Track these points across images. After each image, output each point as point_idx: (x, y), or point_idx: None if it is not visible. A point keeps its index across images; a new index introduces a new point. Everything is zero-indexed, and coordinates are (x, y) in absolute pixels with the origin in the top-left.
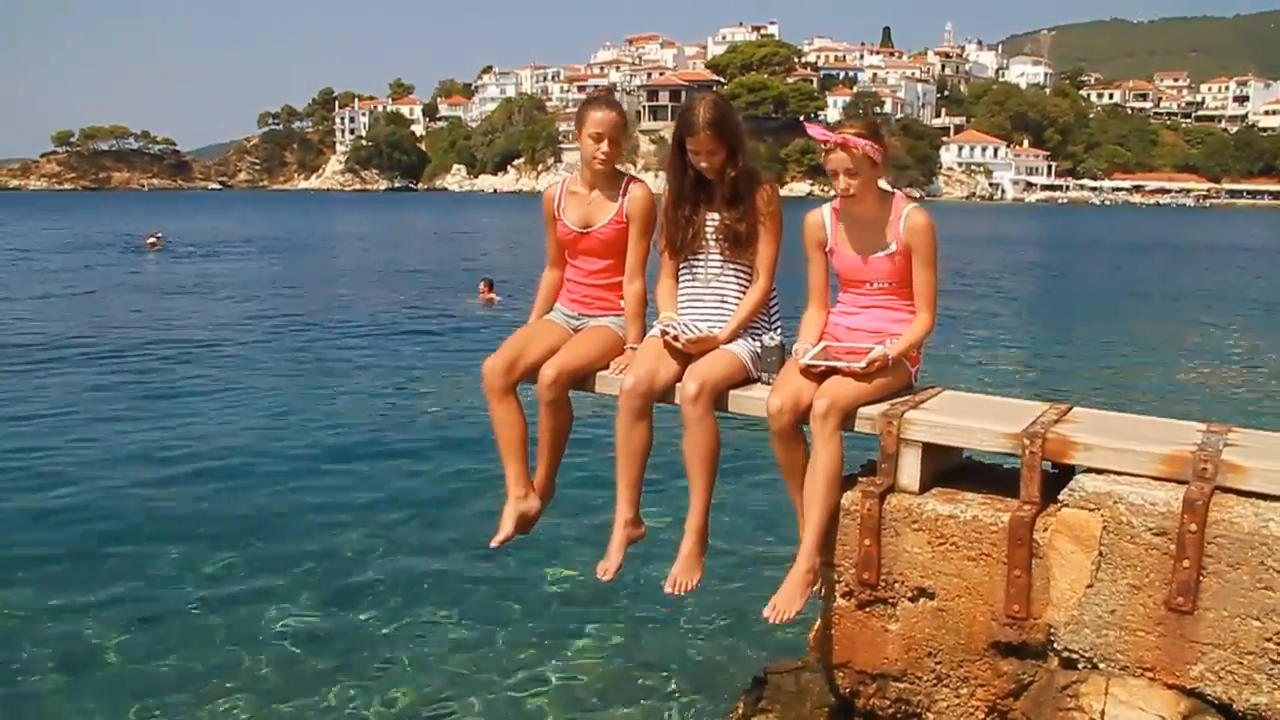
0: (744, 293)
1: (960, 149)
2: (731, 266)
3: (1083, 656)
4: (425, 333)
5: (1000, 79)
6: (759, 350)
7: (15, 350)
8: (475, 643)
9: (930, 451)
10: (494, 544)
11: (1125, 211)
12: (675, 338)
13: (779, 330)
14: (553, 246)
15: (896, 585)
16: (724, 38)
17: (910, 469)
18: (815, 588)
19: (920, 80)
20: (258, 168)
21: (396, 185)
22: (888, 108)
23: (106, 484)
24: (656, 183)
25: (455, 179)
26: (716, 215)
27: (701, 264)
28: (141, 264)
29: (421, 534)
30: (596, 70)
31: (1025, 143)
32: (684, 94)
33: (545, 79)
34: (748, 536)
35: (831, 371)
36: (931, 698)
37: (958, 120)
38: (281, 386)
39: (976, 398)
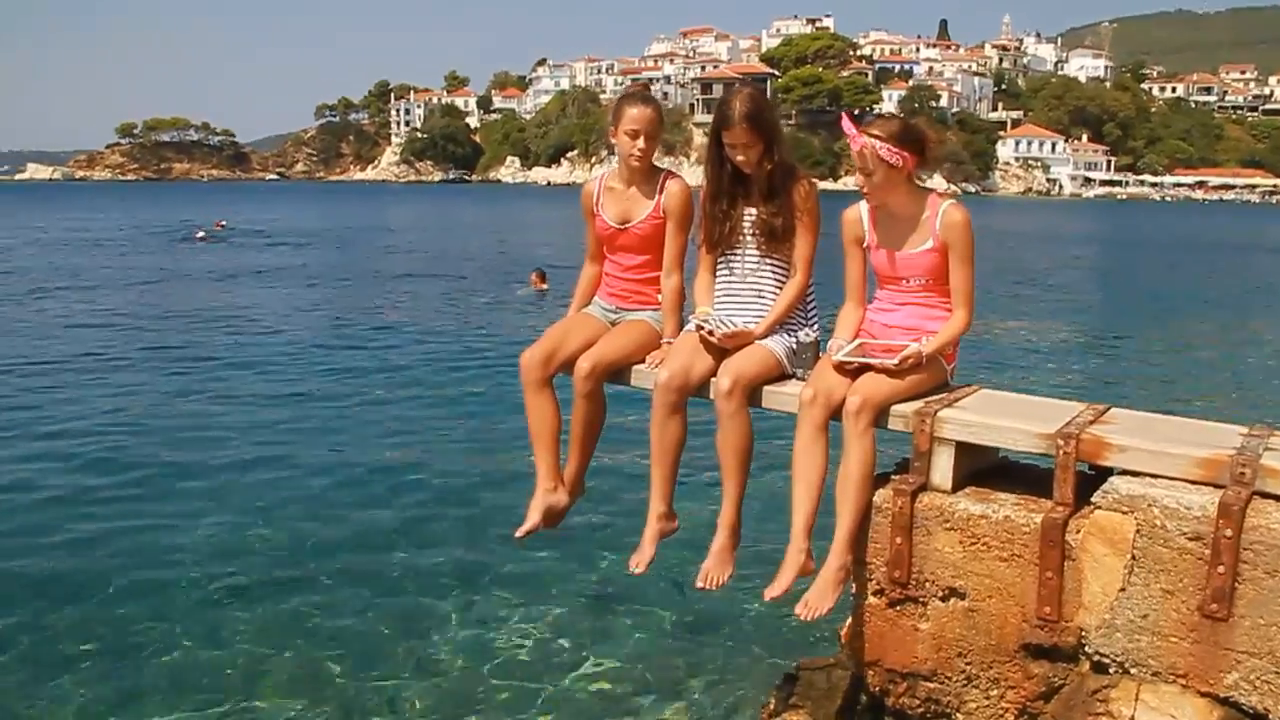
0: (781, 288)
1: (1017, 144)
2: (769, 261)
3: (1114, 661)
4: (477, 322)
5: (1059, 72)
6: (794, 346)
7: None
8: (503, 635)
9: (964, 450)
10: (519, 534)
11: (1187, 208)
12: (710, 332)
13: (816, 326)
14: (592, 241)
15: (928, 584)
16: (778, 30)
17: (943, 468)
18: (846, 585)
19: (977, 74)
20: (314, 159)
21: (450, 177)
22: (943, 101)
23: (159, 466)
24: None
25: (509, 171)
26: (754, 210)
27: (739, 259)
28: (204, 251)
29: (452, 522)
30: (650, 63)
31: (1084, 137)
32: (737, 86)
33: (599, 71)
34: (781, 532)
35: (865, 368)
36: (961, 698)
37: (1015, 114)
38: (330, 371)
39: (1013, 397)
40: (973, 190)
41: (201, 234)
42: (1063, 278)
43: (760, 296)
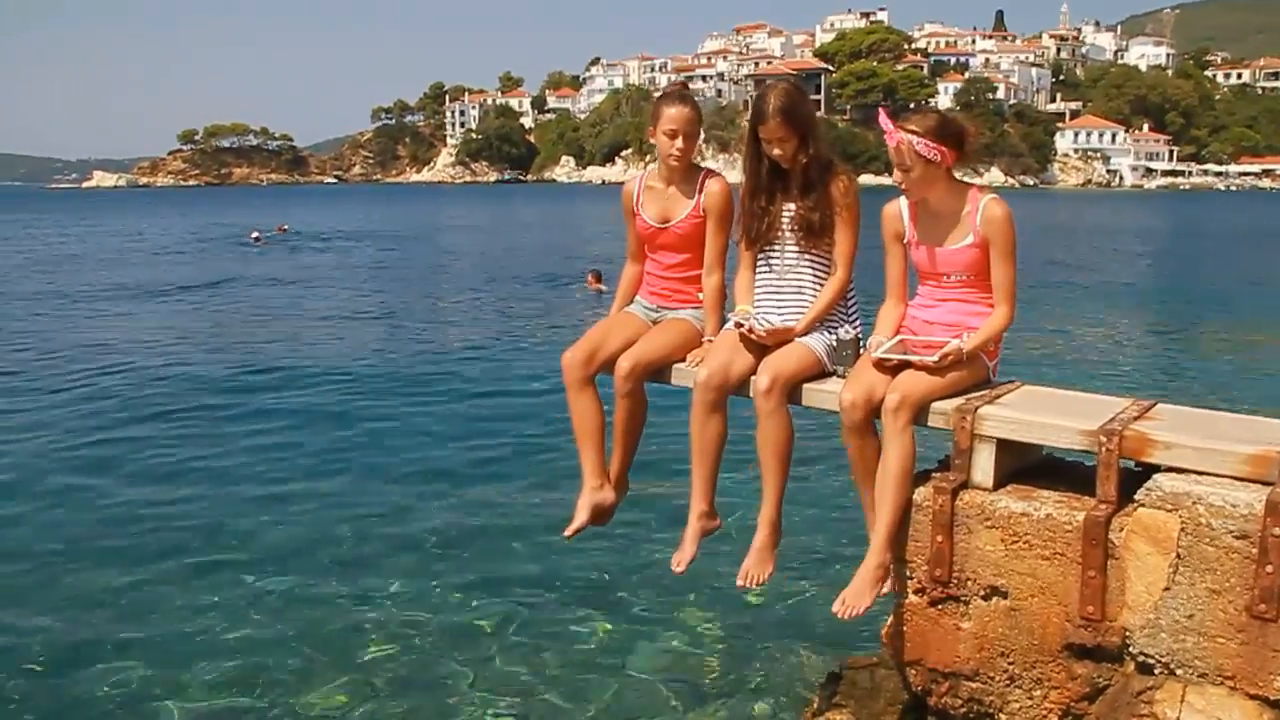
0: (822, 284)
1: (1076, 135)
2: (808, 257)
3: (1159, 662)
4: (534, 324)
5: (1119, 61)
6: (833, 343)
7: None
8: (547, 633)
9: (1006, 448)
10: (567, 534)
11: (1253, 197)
12: (750, 330)
13: (857, 323)
14: (633, 241)
15: (969, 583)
16: (832, 25)
17: (984, 465)
18: (886, 584)
19: (1034, 64)
20: (371, 161)
21: (505, 177)
22: (1000, 94)
23: (219, 469)
24: None
25: (563, 170)
26: (792, 205)
27: (778, 255)
28: (260, 254)
29: (499, 520)
30: (703, 60)
31: (1145, 127)
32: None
33: (653, 69)
34: (822, 530)
35: (905, 365)
36: (1004, 698)
37: (1074, 105)
38: (384, 372)
39: (1056, 393)
40: (1031, 183)
41: (256, 235)
42: (1118, 271)
43: (800, 293)
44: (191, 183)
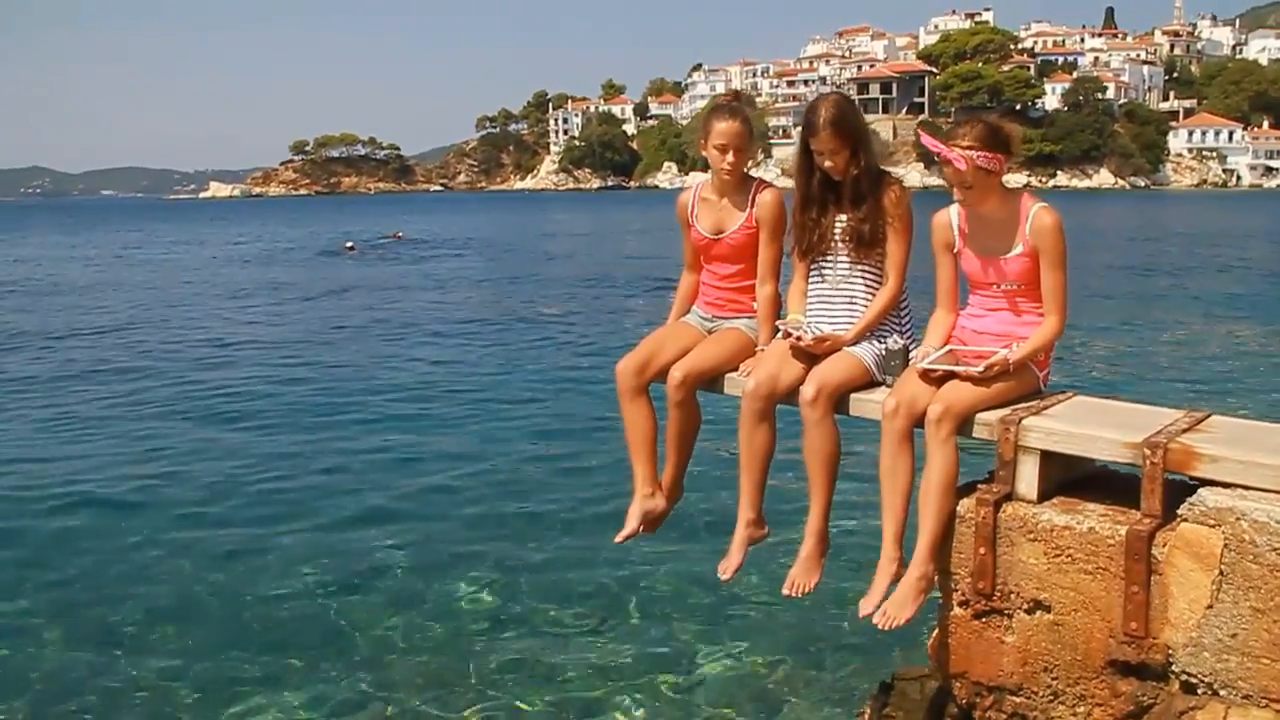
0: (874, 294)
1: (1190, 134)
2: (860, 268)
3: (1202, 681)
4: (628, 327)
5: (1237, 56)
6: (883, 353)
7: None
8: (596, 641)
9: (1051, 459)
10: (619, 540)
11: None
12: (798, 339)
13: (910, 333)
14: (688, 251)
15: (1012, 596)
16: (936, 27)
17: (1028, 477)
18: (927, 595)
19: (1146, 62)
20: (476, 169)
21: (609, 184)
22: (1110, 93)
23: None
24: None
25: (666, 177)
26: (844, 216)
27: (830, 266)
28: (355, 262)
29: (552, 526)
30: (806, 65)
31: (1265, 124)
32: (894, 86)
33: (755, 75)
34: (873, 539)
35: (951, 376)
36: (1048, 714)
37: (1188, 103)
38: (480, 373)
39: (1108, 404)
40: (1142, 184)
41: (350, 244)
42: (1220, 280)
43: (852, 303)
44: (302, 192)
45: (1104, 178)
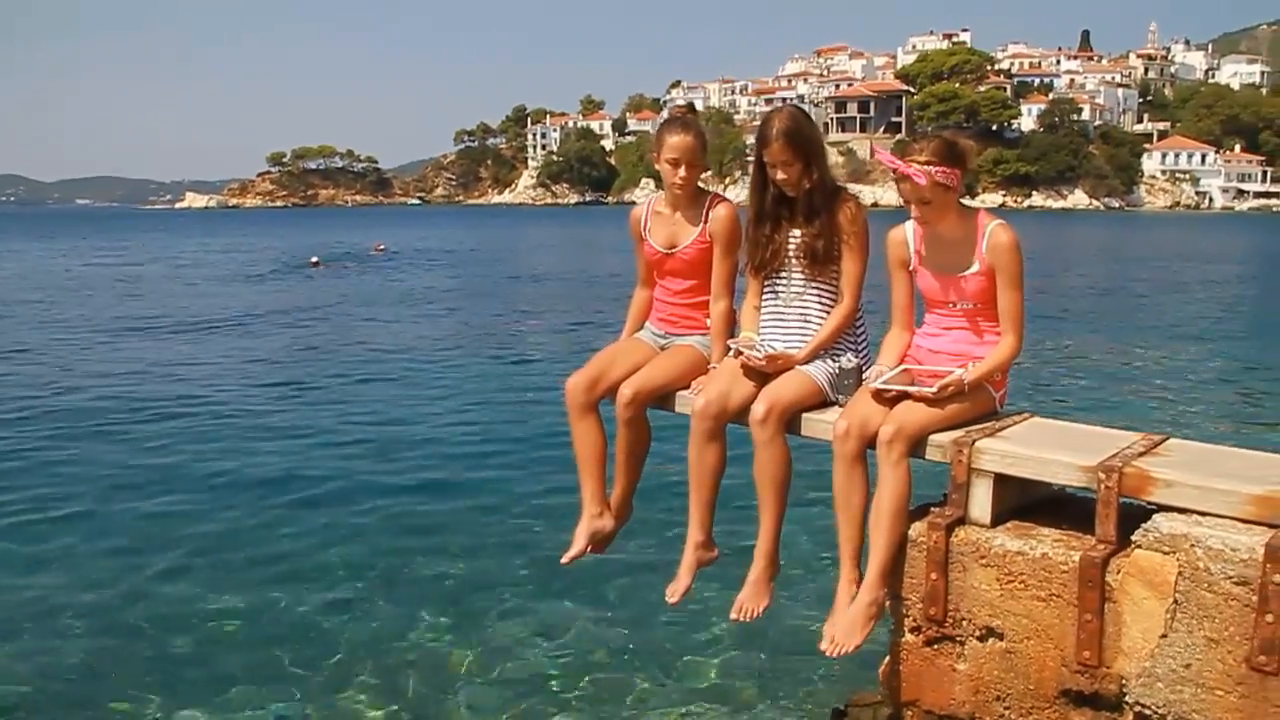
0: (829, 312)
1: (1164, 156)
2: (815, 285)
3: (1155, 713)
4: (580, 341)
5: (1210, 80)
6: (836, 372)
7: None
8: (540, 665)
9: (1006, 483)
10: (565, 560)
11: None
12: (750, 357)
13: (865, 352)
14: (642, 266)
15: (964, 623)
16: (914, 47)
17: (981, 500)
18: (877, 621)
19: (1121, 85)
20: (454, 183)
21: (586, 199)
22: (1085, 114)
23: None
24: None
25: (644, 192)
26: (799, 232)
27: (785, 283)
28: (323, 276)
29: (495, 541)
30: (784, 83)
31: (1237, 148)
32: (872, 105)
33: (733, 92)
34: (827, 563)
35: (904, 396)
36: None
37: (1161, 126)
38: (437, 391)
39: (1065, 425)
40: (1116, 205)
41: (315, 259)
42: (1186, 301)
43: (806, 321)
44: (279, 204)
45: (1079, 198)
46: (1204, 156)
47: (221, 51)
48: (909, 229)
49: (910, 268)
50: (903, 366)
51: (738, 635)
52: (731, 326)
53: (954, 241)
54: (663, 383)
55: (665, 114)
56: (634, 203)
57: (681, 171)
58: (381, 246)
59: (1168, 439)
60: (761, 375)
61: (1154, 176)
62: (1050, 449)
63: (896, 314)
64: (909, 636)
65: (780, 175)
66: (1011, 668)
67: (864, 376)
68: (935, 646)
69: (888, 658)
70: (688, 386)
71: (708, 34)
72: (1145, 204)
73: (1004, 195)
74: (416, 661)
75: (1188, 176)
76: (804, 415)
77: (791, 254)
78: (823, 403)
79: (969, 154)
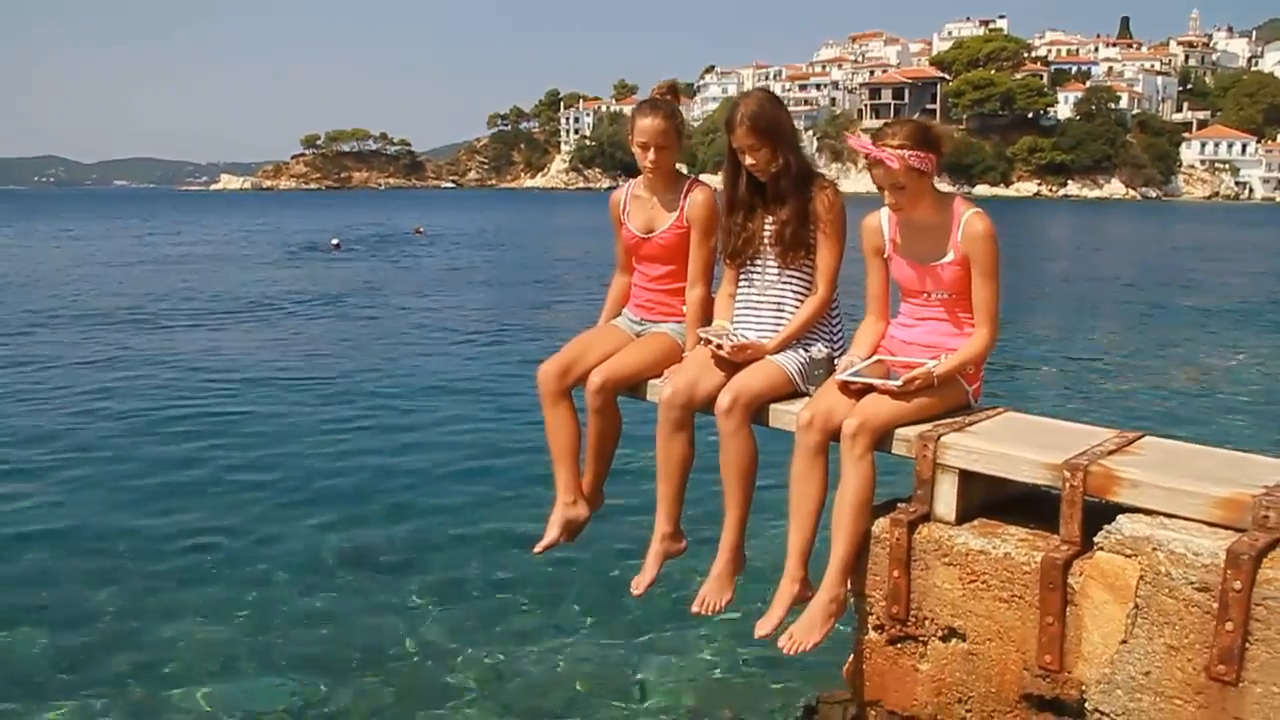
0: (804, 302)
1: (1203, 145)
2: (790, 273)
3: None
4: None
5: (1253, 68)
6: (806, 362)
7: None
8: (508, 656)
9: (973, 479)
10: (537, 550)
11: None
12: (718, 346)
13: (840, 343)
14: (620, 251)
15: (927, 622)
16: (950, 33)
17: (946, 497)
18: (838, 619)
19: (1160, 73)
20: (486, 167)
21: (619, 183)
22: (1123, 103)
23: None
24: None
25: None
26: (772, 219)
27: (759, 271)
28: (340, 259)
29: (467, 529)
30: (818, 69)
31: (1279, 137)
32: (907, 92)
33: (767, 78)
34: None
35: (871, 388)
36: None
37: (1202, 114)
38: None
39: (1039, 421)
40: (1153, 195)
41: (336, 241)
42: (1226, 294)
43: (780, 310)
44: (313, 186)
45: (1115, 188)
46: (1245, 146)
47: (259, 33)
48: (884, 215)
49: (885, 255)
50: (876, 357)
51: (705, 629)
52: (707, 314)
53: (929, 229)
54: (634, 371)
55: (699, 99)
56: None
57: (651, 155)
58: (421, 229)
59: (1143, 436)
60: (732, 365)
61: (1193, 166)
62: (1016, 445)
63: (871, 303)
64: (872, 635)
65: (749, 160)
66: (973, 670)
67: (835, 367)
68: (898, 646)
69: (851, 656)
70: (660, 375)
71: (742, 19)
72: (1183, 194)
73: (1039, 184)
74: (370, 655)
75: (1227, 166)
76: (772, 406)
77: (766, 242)
78: (794, 393)
79: (943, 139)
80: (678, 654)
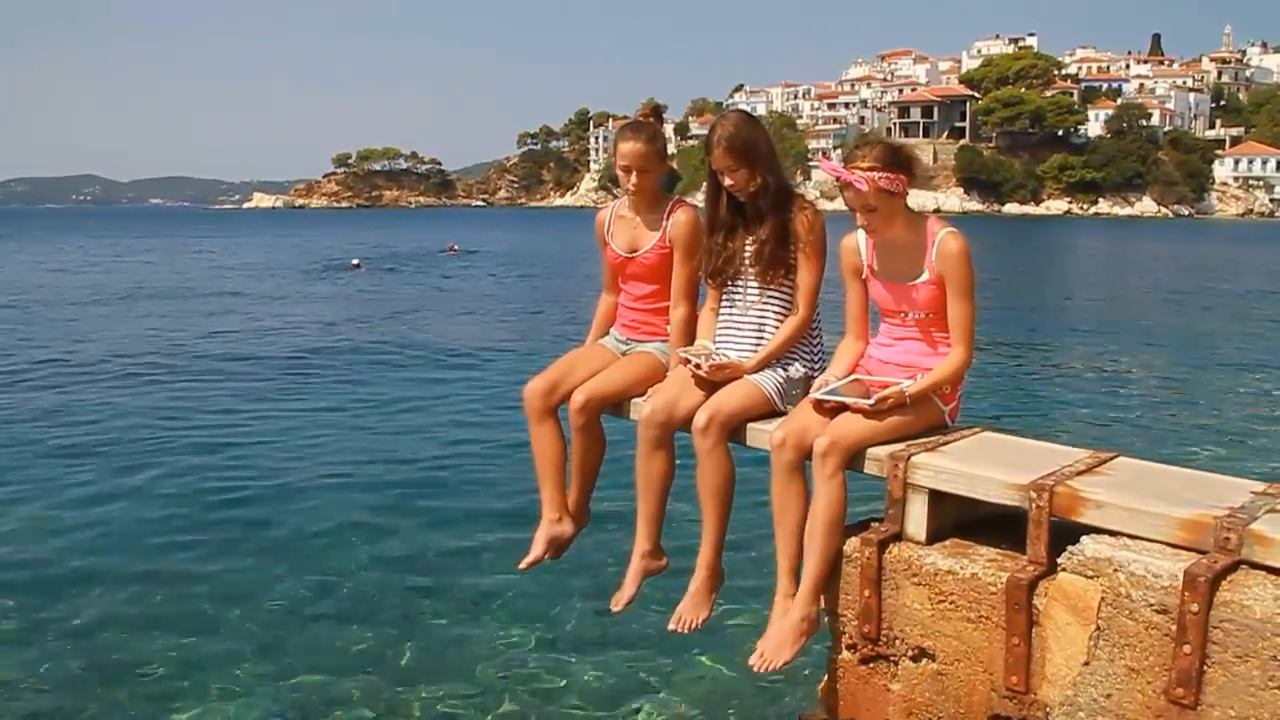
0: (785, 321)
1: (1236, 162)
2: (771, 293)
3: None
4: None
5: None
6: (784, 381)
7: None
8: (490, 670)
9: (943, 499)
10: (522, 566)
11: None
12: (698, 366)
13: (820, 363)
14: (606, 271)
15: (897, 642)
16: (979, 51)
17: (917, 516)
18: (809, 637)
19: (1193, 89)
20: (516, 185)
21: None
22: (1154, 120)
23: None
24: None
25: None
26: (753, 238)
27: (740, 291)
28: (360, 278)
29: (453, 544)
30: (847, 87)
31: None
32: (936, 110)
33: (796, 97)
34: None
35: (844, 407)
36: None
37: (1235, 131)
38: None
39: (1013, 441)
40: (1185, 213)
41: (356, 262)
42: (1238, 314)
43: (761, 330)
44: (344, 204)
45: (1147, 205)
46: (1278, 163)
47: (291, 54)
48: (861, 236)
49: (863, 276)
50: (853, 377)
51: (686, 648)
52: (691, 334)
53: (904, 249)
54: (617, 389)
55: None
56: (696, 206)
57: (633, 178)
58: (455, 247)
59: (1116, 456)
60: (712, 384)
61: (1225, 183)
62: (986, 465)
63: (850, 323)
64: (845, 654)
65: (728, 181)
66: (943, 690)
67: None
68: (870, 665)
69: (825, 675)
70: (644, 394)
71: (771, 38)
72: (1216, 211)
73: (1069, 202)
74: (361, 668)
75: (1261, 183)
76: (749, 425)
77: (746, 261)
78: (772, 413)
79: (914, 160)
80: (658, 673)
